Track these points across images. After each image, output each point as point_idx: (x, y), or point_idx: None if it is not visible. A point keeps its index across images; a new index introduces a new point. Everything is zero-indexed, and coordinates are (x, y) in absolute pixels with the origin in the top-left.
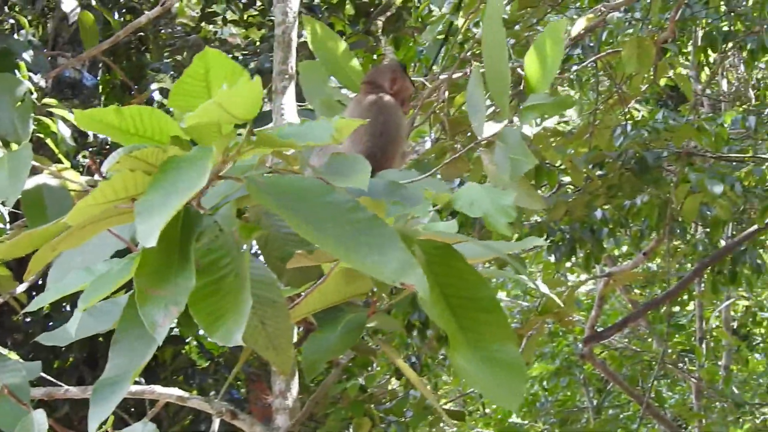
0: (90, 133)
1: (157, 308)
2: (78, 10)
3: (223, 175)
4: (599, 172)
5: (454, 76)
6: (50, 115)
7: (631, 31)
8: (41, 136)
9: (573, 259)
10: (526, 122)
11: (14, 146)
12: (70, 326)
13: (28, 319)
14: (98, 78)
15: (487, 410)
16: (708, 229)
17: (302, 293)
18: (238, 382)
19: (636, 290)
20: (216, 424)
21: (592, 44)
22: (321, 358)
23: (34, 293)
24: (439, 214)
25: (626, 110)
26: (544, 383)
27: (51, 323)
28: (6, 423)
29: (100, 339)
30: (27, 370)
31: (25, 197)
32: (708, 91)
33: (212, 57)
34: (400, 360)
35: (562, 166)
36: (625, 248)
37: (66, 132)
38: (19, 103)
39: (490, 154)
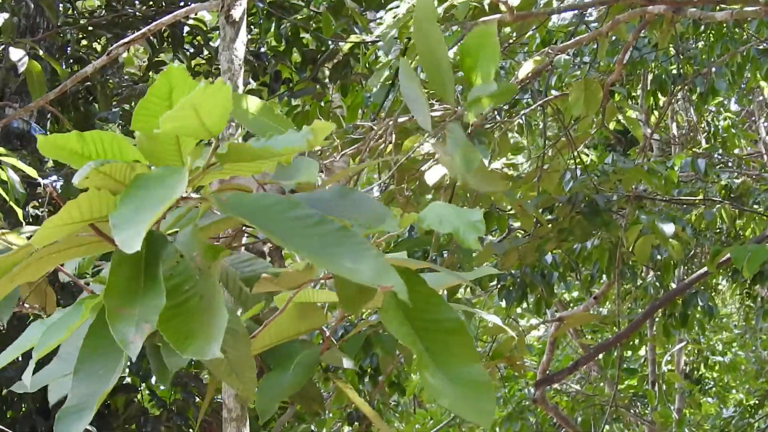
0: (40, 182)
1: (128, 325)
2: (26, 59)
3: (186, 196)
4: (549, 217)
5: (400, 120)
6: None
7: (578, 73)
8: None
9: (524, 304)
10: (473, 114)
11: None
12: (25, 377)
13: None
14: (47, 129)
15: None
16: (659, 272)
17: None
18: (190, 431)
19: (587, 335)
20: None
21: (540, 89)
22: (275, 399)
23: None
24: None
25: (575, 154)
26: (497, 429)
27: (2, 372)
28: None
29: None
30: None
31: None
32: (657, 135)
33: (177, 75)
34: (357, 396)
35: (512, 211)
36: (576, 293)
37: (16, 178)
38: None
39: (442, 145)
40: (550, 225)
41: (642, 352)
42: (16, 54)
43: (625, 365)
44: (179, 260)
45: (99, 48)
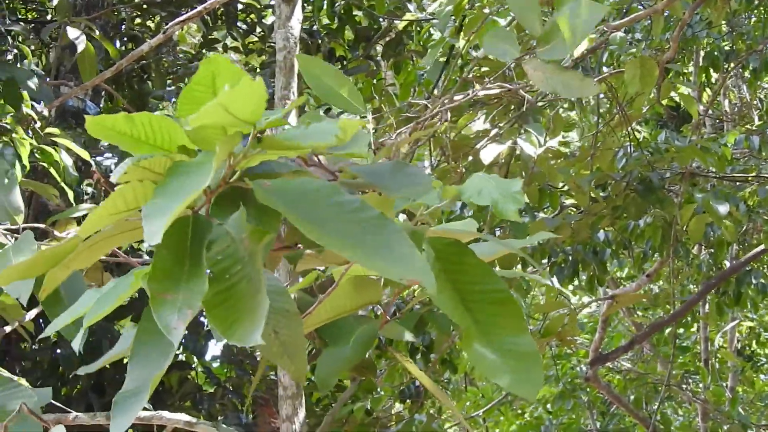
0: (93, 162)
1: (170, 311)
2: (83, 38)
3: (231, 182)
4: (602, 194)
5: (455, 98)
6: (54, 144)
7: (633, 51)
8: (45, 165)
9: (575, 282)
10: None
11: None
12: (74, 344)
13: (35, 347)
14: (101, 107)
15: None
16: (712, 250)
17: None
18: (245, 408)
19: (639, 312)
20: None
21: (593, 66)
22: (335, 373)
23: (41, 321)
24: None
25: (629, 131)
26: (549, 406)
27: (58, 350)
28: None
29: (107, 366)
30: (38, 395)
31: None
32: (710, 112)
33: (219, 63)
34: (416, 369)
35: (565, 188)
36: (627, 271)
37: (69, 161)
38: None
39: (532, 62)
40: (604, 202)
41: (694, 329)
42: (72, 33)
43: (677, 342)
44: (229, 243)
45: (152, 26)
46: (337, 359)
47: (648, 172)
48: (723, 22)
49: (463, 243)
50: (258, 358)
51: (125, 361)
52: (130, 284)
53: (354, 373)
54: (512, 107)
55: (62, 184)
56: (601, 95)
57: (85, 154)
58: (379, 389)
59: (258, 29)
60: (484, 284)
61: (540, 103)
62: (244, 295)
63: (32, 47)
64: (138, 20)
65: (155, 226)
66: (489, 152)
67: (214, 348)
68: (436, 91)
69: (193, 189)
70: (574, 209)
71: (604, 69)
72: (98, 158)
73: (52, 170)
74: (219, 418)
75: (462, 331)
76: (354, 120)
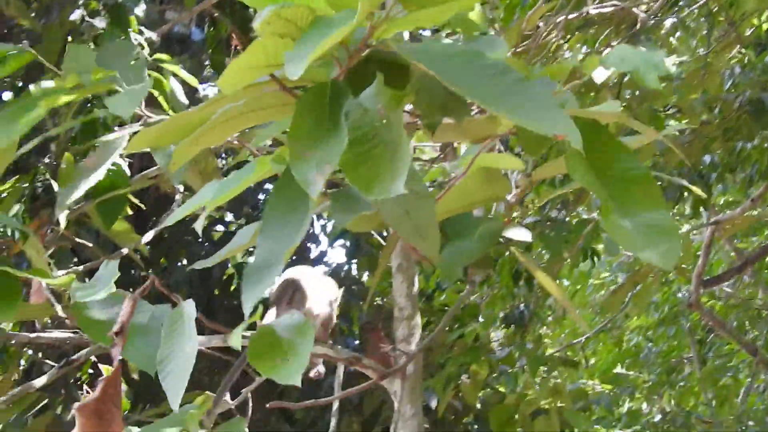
0: (201, 88)
1: (309, 167)
2: None
3: (370, 44)
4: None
5: (570, 17)
6: (160, 70)
7: None
8: (152, 91)
9: (676, 208)
10: None
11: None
12: (196, 225)
13: (143, 274)
14: (205, 32)
15: (591, 361)
16: None
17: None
18: (355, 332)
19: (741, 239)
20: (341, 369)
21: None
22: (458, 264)
23: (150, 247)
24: None
25: (742, 52)
26: (649, 333)
27: (169, 275)
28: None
29: (217, 293)
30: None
31: None
32: None
33: None
34: (542, 273)
35: (669, 111)
36: (724, 199)
37: (178, 87)
38: (133, 61)
39: None
40: (716, 124)
41: None
42: None
43: None
44: (363, 113)
45: None
46: (461, 251)
47: (760, 93)
48: None
49: (600, 123)
50: (365, 284)
51: (233, 288)
52: (254, 170)
53: (474, 269)
54: (624, 27)
55: (170, 112)
56: (703, 19)
57: (193, 81)
58: (480, 317)
59: None
60: (623, 163)
61: (651, 23)
62: (382, 156)
63: None
64: None
65: (296, 62)
66: (601, 72)
67: None
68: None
69: (337, 33)
70: (677, 133)
71: None
72: (203, 85)
73: (160, 98)
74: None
75: (600, 204)
76: None
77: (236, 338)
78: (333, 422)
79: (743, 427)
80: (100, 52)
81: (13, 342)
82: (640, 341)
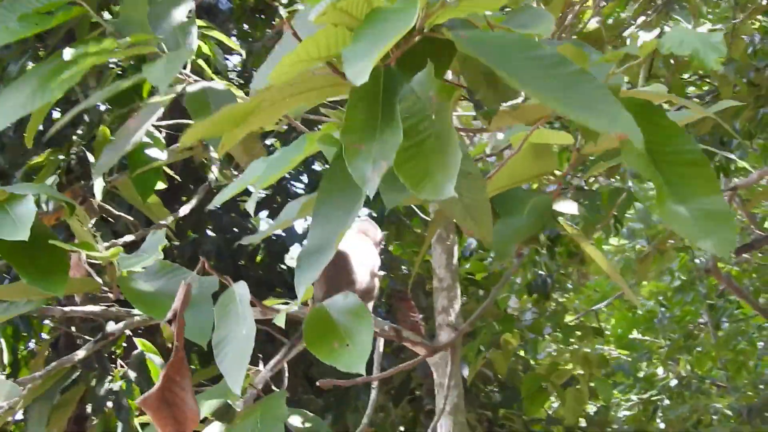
0: (243, 52)
1: (365, 162)
2: None
3: (425, 33)
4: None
5: None
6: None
7: None
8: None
9: None
10: None
11: None
12: (248, 205)
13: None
14: (232, 2)
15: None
16: None
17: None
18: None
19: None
20: (380, 342)
21: None
22: (511, 241)
23: (180, 221)
24: None
25: (756, 20)
26: (661, 298)
27: (198, 246)
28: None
29: (243, 262)
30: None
31: (190, 99)
32: None
33: None
34: (592, 247)
35: (691, 78)
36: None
37: (218, 50)
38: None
39: None
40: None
41: None
42: None
43: None
44: (415, 100)
45: None
46: (512, 228)
47: None
48: None
49: (654, 104)
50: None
51: (258, 259)
52: (303, 147)
53: (523, 245)
54: None
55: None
56: None
57: (234, 45)
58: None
59: None
60: (676, 145)
61: None
62: (434, 150)
63: None
64: None
65: (360, 67)
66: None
67: None
68: None
69: (397, 32)
70: (697, 100)
71: None
72: (228, 56)
73: (201, 62)
74: None
75: (655, 190)
76: None
77: (281, 318)
78: (373, 394)
79: (758, 393)
80: (153, 7)
81: (50, 317)
82: (653, 306)
